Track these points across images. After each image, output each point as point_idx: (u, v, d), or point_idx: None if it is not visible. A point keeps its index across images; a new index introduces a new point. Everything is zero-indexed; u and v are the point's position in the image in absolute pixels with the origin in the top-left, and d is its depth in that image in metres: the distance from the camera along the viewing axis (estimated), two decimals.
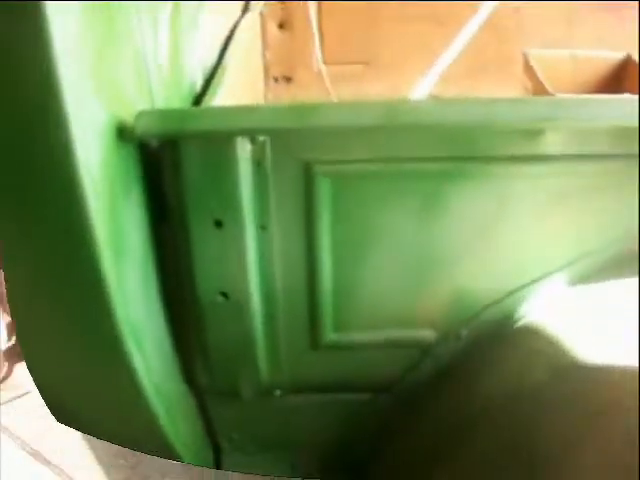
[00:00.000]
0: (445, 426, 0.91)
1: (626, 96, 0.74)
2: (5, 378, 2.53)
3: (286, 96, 1.73)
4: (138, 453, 2.14)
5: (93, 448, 2.13)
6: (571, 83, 1.59)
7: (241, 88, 1.23)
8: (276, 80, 1.76)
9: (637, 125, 0.71)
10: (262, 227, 0.81)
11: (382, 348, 0.93)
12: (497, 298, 0.88)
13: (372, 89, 1.69)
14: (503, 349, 0.89)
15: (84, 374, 0.95)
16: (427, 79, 1.28)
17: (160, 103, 0.81)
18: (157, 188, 0.81)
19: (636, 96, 0.72)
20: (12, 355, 2.57)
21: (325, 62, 1.70)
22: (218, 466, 1.14)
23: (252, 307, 0.86)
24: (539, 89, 1.50)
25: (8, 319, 2.56)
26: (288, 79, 1.76)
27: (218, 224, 0.79)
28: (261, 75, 1.70)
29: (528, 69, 1.56)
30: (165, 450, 1.06)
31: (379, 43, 1.70)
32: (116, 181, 0.72)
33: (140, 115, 0.72)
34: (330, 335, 0.91)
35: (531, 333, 0.87)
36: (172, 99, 0.87)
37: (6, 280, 0.84)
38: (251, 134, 0.74)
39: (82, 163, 0.63)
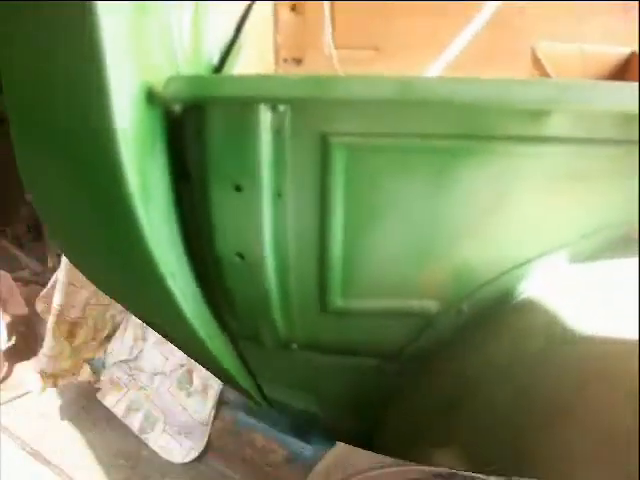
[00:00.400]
0: (445, 395, 0.94)
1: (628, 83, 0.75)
2: (5, 378, 2.53)
3: None
4: (138, 453, 2.14)
5: (93, 448, 2.12)
6: (579, 76, 1.59)
7: (254, 67, 1.26)
8: (285, 61, 1.78)
9: (637, 112, 0.72)
10: (278, 194, 0.84)
11: (388, 316, 0.96)
12: (498, 274, 0.90)
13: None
14: (502, 322, 0.92)
15: (131, 297, 1.03)
16: (435, 67, 1.28)
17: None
18: (179, 152, 0.84)
19: (636, 83, 0.73)
20: (12, 355, 2.57)
21: (335, 46, 1.71)
22: (261, 393, 1.21)
23: (266, 269, 0.90)
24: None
25: (8, 319, 2.56)
26: (298, 61, 1.79)
27: (237, 189, 0.83)
28: (272, 56, 1.72)
29: (536, 62, 1.56)
30: (221, 373, 1.12)
31: (389, 30, 1.71)
32: (145, 141, 0.77)
33: (169, 80, 0.76)
34: (338, 301, 0.94)
35: (529, 307, 0.89)
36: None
37: (44, 214, 0.92)
38: (272, 102, 0.77)
39: (117, 123, 0.69)
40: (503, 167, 0.82)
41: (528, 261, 0.89)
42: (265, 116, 0.78)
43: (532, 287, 0.90)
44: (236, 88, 0.79)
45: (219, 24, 1.06)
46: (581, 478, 0.73)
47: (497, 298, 0.91)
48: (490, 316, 0.92)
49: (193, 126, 0.81)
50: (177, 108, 0.80)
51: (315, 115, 0.79)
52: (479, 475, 0.87)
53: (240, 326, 1.02)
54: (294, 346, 1.02)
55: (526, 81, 1.02)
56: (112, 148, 0.70)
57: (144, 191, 0.76)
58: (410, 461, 0.98)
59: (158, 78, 0.77)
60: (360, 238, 0.88)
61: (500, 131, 0.79)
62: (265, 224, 0.85)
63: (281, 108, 0.77)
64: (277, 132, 0.79)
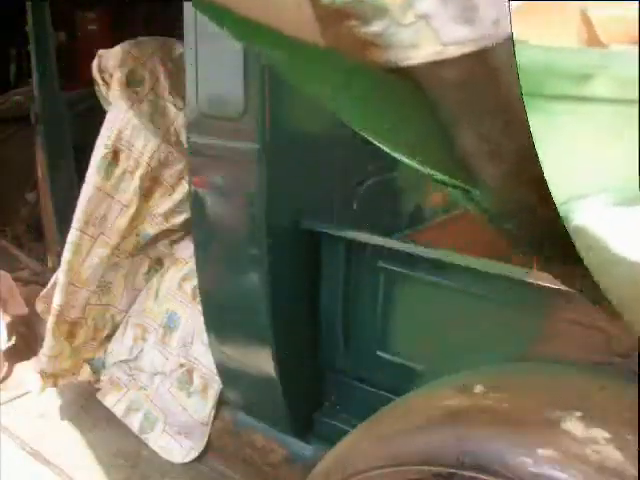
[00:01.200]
0: None
1: None
2: (5, 378, 2.53)
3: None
4: (138, 453, 2.14)
5: (93, 448, 2.12)
6: (624, 36, 1.64)
7: None
8: None
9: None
10: None
11: None
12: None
13: None
14: None
15: None
16: None
17: None
18: None
19: None
20: (12, 355, 2.57)
21: None
22: None
23: None
24: (594, 40, 1.54)
25: (8, 319, 2.56)
26: None
27: None
28: None
29: (586, 23, 1.61)
30: None
31: None
32: None
33: None
34: None
35: (582, 232, 1.00)
36: None
37: None
38: None
39: None
40: (548, 122, 0.93)
41: (576, 197, 0.97)
42: None
43: (583, 219, 0.99)
44: None
45: None
46: None
47: None
48: None
49: None
50: None
51: None
52: (480, 475, 0.87)
53: None
54: None
55: (572, 49, 1.19)
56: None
57: None
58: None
59: None
60: None
61: (548, 90, 0.91)
62: None
63: None
64: None
